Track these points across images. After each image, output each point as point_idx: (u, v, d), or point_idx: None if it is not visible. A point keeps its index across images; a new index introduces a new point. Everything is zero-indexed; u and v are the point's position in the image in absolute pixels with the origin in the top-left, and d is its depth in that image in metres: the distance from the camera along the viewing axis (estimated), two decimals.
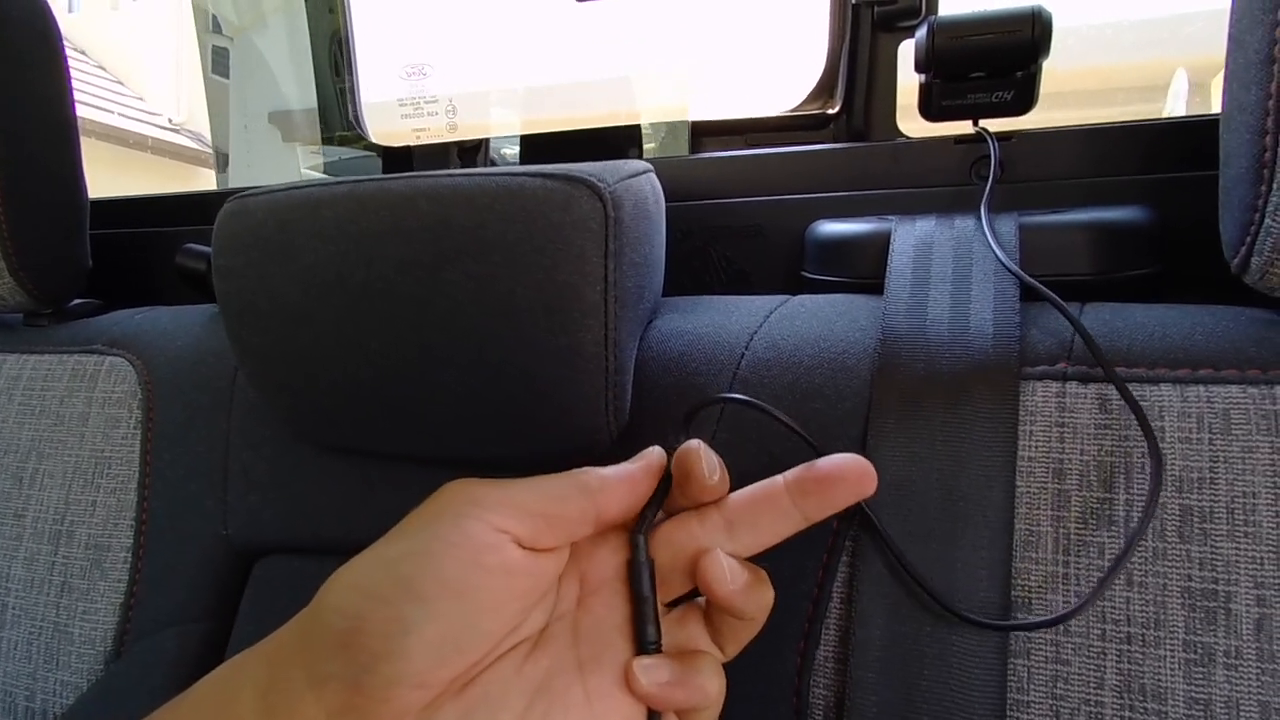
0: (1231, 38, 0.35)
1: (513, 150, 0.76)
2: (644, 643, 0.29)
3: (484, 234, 0.38)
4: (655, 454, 0.32)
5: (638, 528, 0.31)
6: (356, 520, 0.47)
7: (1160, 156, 0.48)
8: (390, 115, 0.73)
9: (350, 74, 0.73)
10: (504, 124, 0.74)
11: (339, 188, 0.41)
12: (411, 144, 0.73)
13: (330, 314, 0.41)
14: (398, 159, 0.77)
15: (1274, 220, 0.32)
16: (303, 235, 0.41)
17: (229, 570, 0.50)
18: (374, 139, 0.76)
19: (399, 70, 0.71)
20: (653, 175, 0.45)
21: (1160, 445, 0.33)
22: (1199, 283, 0.43)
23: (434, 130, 0.72)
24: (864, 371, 0.39)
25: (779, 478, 0.31)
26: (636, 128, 0.69)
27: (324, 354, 0.42)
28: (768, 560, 0.38)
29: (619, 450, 0.42)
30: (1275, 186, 0.32)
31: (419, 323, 0.40)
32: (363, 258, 0.40)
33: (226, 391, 0.52)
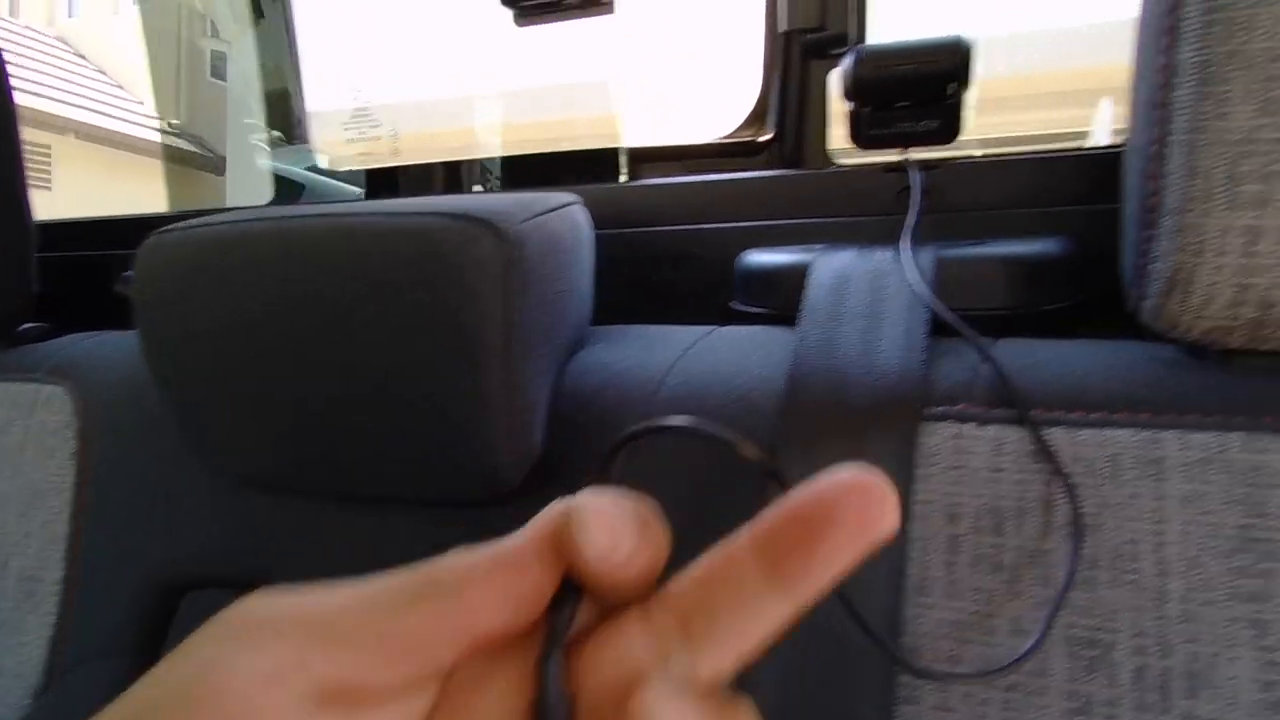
0: (1133, 77, 0.35)
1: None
2: None
3: (387, 275, 0.38)
4: (552, 518, 0.19)
5: (545, 646, 0.18)
6: (282, 555, 0.47)
7: (1083, 187, 0.47)
8: (329, 120, 0.73)
9: (298, 91, 0.74)
10: (450, 148, 0.74)
11: (256, 225, 0.42)
12: (361, 168, 0.74)
13: (244, 352, 0.41)
14: (382, 179, 0.78)
15: (1160, 265, 0.32)
16: (216, 272, 0.42)
17: (158, 603, 0.51)
18: (319, 152, 0.76)
19: (344, 91, 0.71)
20: (576, 208, 0.45)
21: (1048, 491, 0.33)
22: (1116, 314, 0.43)
23: (377, 154, 0.73)
24: (771, 409, 0.39)
25: (743, 532, 0.19)
26: (615, 151, 0.69)
27: (240, 392, 0.42)
28: None
29: (527, 485, 0.42)
30: (1161, 230, 0.32)
31: (329, 362, 0.40)
32: (274, 296, 0.40)
33: (161, 422, 0.52)
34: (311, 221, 0.40)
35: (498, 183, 0.77)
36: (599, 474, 0.22)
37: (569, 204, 0.44)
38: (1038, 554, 0.33)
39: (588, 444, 0.42)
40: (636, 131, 0.65)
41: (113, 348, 0.58)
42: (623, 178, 0.65)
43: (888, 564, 0.34)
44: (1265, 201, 0.29)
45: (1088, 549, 0.32)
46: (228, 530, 0.49)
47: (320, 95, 0.75)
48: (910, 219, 0.45)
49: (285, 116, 0.92)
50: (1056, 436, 0.34)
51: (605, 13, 0.57)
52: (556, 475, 0.42)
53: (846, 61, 0.47)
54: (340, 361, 0.40)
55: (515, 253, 0.38)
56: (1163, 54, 0.32)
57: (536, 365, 0.41)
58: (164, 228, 0.45)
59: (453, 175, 0.74)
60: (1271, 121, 0.29)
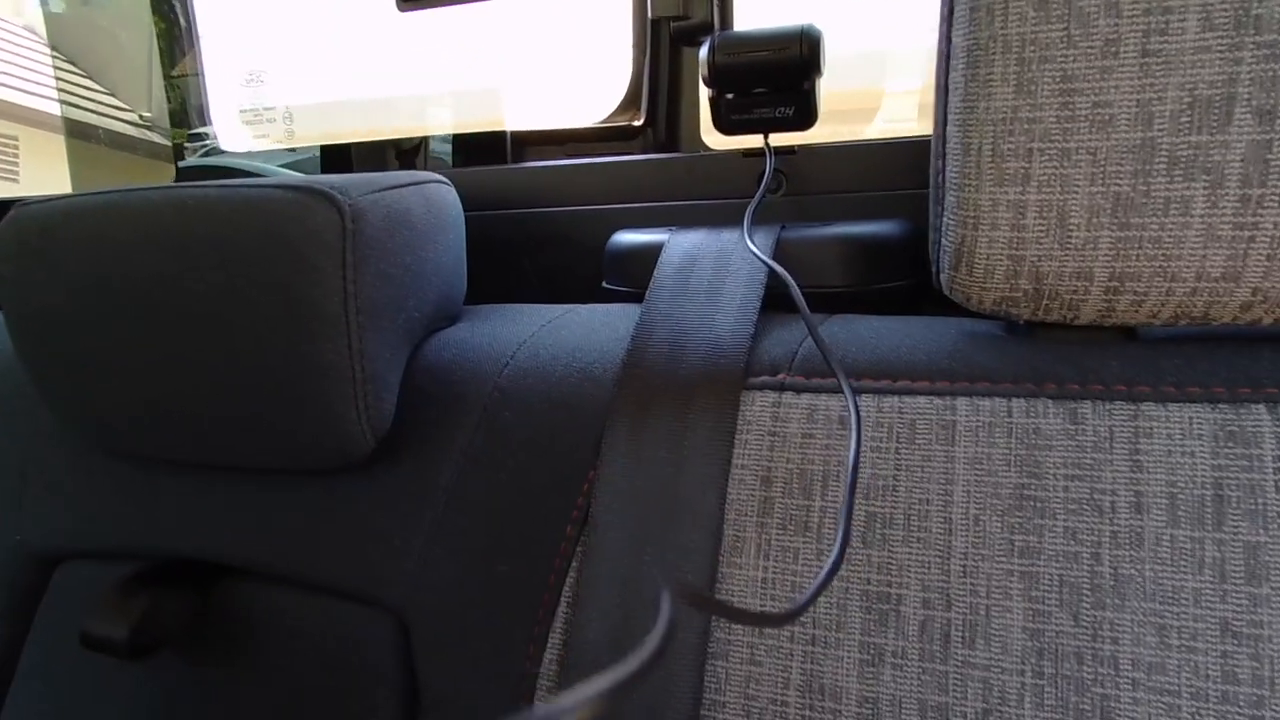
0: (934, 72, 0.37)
1: (448, 148, 0.77)
2: None
3: (223, 245, 0.38)
4: None
5: None
6: (149, 525, 0.47)
7: (922, 171, 0.49)
8: (234, 121, 0.73)
9: (199, 77, 0.73)
10: (348, 131, 0.74)
11: (101, 198, 0.42)
12: (259, 149, 0.73)
13: (94, 323, 0.42)
14: (336, 157, 0.77)
15: (946, 239, 0.34)
16: (64, 245, 0.42)
17: (30, 575, 0.50)
18: (223, 144, 0.76)
19: (239, 77, 0.71)
20: (432, 187, 0.46)
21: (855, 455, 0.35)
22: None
23: (274, 137, 0.73)
24: (609, 381, 0.40)
25: None
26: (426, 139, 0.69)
27: (95, 365, 0.43)
28: (504, 561, 0.39)
29: (382, 454, 0.43)
30: (945, 208, 0.34)
31: (173, 333, 0.40)
32: (118, 268, 0.40)
33: (29, 396, 0.52)
34: (152, 195, 0.41)
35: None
36: None
37: (424, 182, 0.45)
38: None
39: (437, 414, 0.43)
40: (520, 116, 0.66)
41: None
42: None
43: (706, 527, 0.36)
44: (1027, 178, 0.31)
45: (885, 509, 0.34)
46: (98, 501, 0.49)
47: (221, 86, 0.75)
48: (755, 199, 0.47)
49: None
50: (865, 403, 0.36)
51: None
52: (408, 444, 0.43)
53: (703, 49, 0.49)
54: (186, 334, 0.40)
55: (353, 225, 0.38)
56: (944, 39, 0.33)
57: (384, 339, 0.41)
58: (22, 202, 0.45)
59: (406, 159, 0.75)
60: (1027, 102, 0.30)
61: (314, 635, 0.43)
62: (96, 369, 0.43)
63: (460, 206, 0.49)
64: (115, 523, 0.48)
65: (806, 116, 0.49)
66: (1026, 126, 0.30)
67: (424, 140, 0.73)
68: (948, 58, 0.32)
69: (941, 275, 0.35)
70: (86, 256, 0.41)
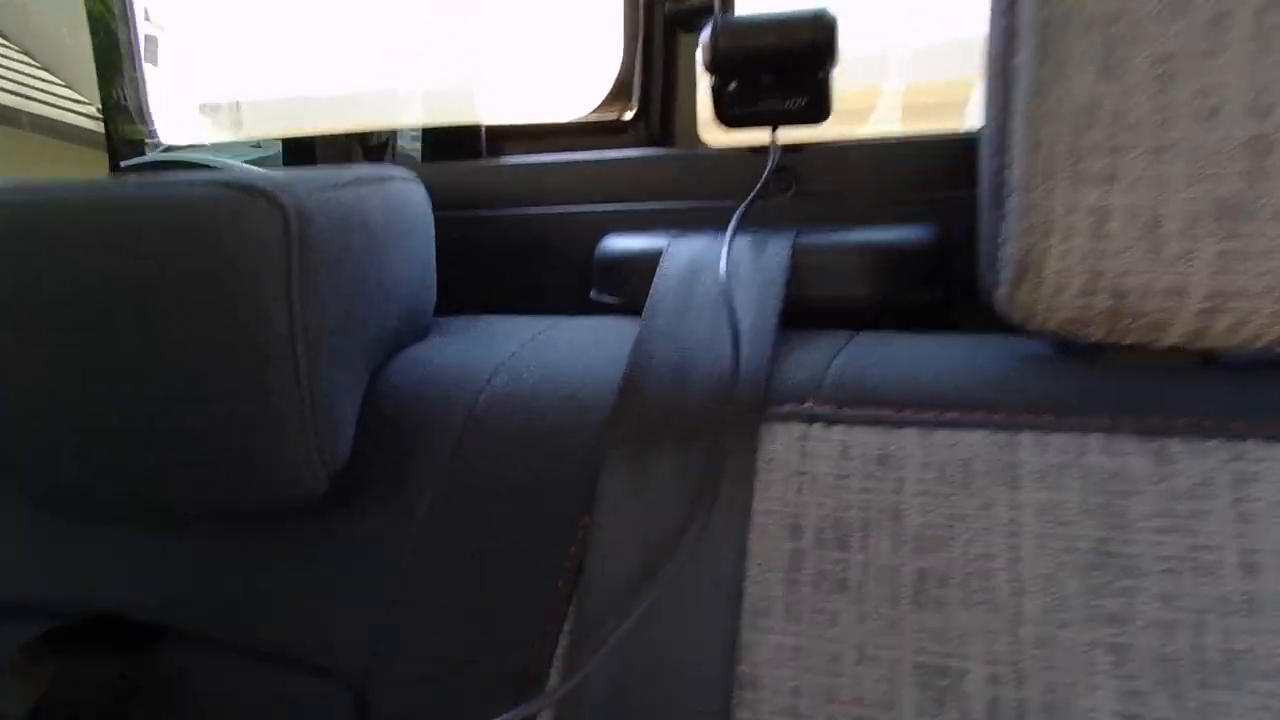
0: (986, 45, 0.32)
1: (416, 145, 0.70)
2: None
3: (147, 254, 0.32)
4: None
5: None
6: (89, 578, 0.41)
7: (951, 172, 0.44)
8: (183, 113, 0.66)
9: (138, 72, 0.66)
10: (292, 127, 0.67)
11: (15, 195, 0.35)
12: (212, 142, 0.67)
13: (6, 339, 0.35)
14: (300, 151, 0.71)
15: (1013, 247, 0.29)
16: None
17: None
18: (163, 140, 0.69)
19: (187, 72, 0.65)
20: (395, 184, 0.40)
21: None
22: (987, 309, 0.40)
23: (222, 128, 0.66)
24: (602, 410, 0.34)
25: None
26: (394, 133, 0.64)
27: (9, 400, 0.36)
28: (482, 625, 0.33)
29: (339, 495, 0.36)
30: (1007, 213, 0.29)
31: (97, 359, 0.34)
32: (32, 277, 0.34)
33: None
34: (67, 195, 0.34)
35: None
36: None
37: (387, 179, 0.39)
38: (885, 570, 0.29)
39: (402, 448, 0.37)
40: (493, 109, 0.60)
41: None
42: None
43: (726, 586, 0.30)
44: (1111, 178, 0.26)
45: (937, 564, 0.29)
46: (33, 554, 0.42)
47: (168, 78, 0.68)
48: (750, 195, 0.42)
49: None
50: (908, 439, 0.31)
51: None
52: (369, 483, 0.37)
53: (705, 32, 0.43)
54: (108, 358, 0.34)
55: (299, 228, 0.32)
56: (1004, 14, 0.28)
57: (339, 360, 0.35)
58: None
59: (374, 155, 0.69)
60: (1113, 89, 0.25)
61: (257, 710, 0.37)
62: (12, 406, 0.36)
63: (429, 206, 0.43)
64: (51, 577, 0.41)
65: (819, 109, 0.44)
66: (1112, 118, 0.26)
67: (392, 134, 0.67)
68: (1010, 37, 0.27)
69: (998, 290, 0.30)
70: (15, 257, 0.34)
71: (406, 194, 0.41)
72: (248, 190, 0.32)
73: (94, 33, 0.66)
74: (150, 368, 0.33)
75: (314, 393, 0.34)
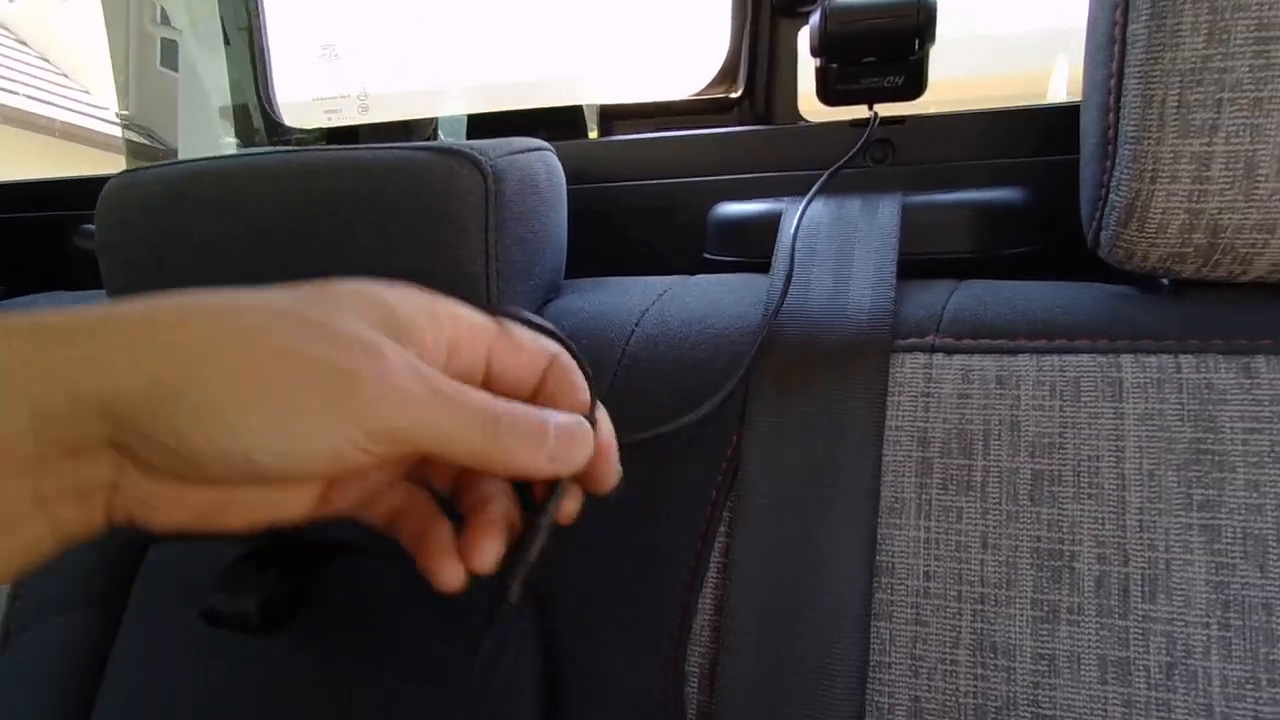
0: (1088, 21, 0.37)
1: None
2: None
3: (379, 205, 0.38)
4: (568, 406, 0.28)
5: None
6: None
7: (1042, 140, 0.49)
8: (305, 110, 0.72)
9: (265, 67, 0.73)
10: (415, 109, 0.73)
11: (234, 160, 0.41)
12: (333, 126, 0.73)
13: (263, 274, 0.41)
14: (342, 139, 0.77)
15: (1117, 195, 0.34)
16: (195, 206, 0.41)
17: (119, 556, 0.50)
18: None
19: (312, 55, 0.71)
20: (547, 154, 0.46)
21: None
22: (1075, 262, 0.44)
23: (346, 113, 0.72)
24: (746, 346, 0.40)
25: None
26: (579, 109, 0.69)
27: None
28: (647, 526, 0.39)
29: None
30: (1118, 161, 0.33)
31: None
32: (259, 230, 0.40)
33: None
34: (289, 157, 0.40)
35: None
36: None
37: (541, 149, 0.44)
38: (1004, 472, 0.34)
39: None
40: (607, 90, 0.65)
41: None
42: (593, 135, 0.65)
43: (864, 488, 0.35)
44: (1215, 128, 0.31)
45: (1053, 466, 0.34)
46: None
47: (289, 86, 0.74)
48: (843, 160, 0.47)
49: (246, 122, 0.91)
50: (1023, 363, 0.36)
51: None
52: None
53: (814, 17, 0.48)
54: None
55: (495, 185, 0.38)
56: None
57: (518, 302, 0.41)
58: (125, 171, 0.44)
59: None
60: (1219, 51, 0.30)
61: (441, 607, 0.43)
62: None
63: (563, 177, 0.49)
64: None
65: (916, 86, 0.49)
66: (1217, 76, 0.30)
67: (434, 123, 0.72)
68: (1124, 8, 0.32)
69: (1103, 233, 0.35)
70: (227, 219, 0.40)
71: (551, 161, 0.47)
72: (454, 154, 0.37)
73: (226, 40, 0.73)
74: None
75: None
